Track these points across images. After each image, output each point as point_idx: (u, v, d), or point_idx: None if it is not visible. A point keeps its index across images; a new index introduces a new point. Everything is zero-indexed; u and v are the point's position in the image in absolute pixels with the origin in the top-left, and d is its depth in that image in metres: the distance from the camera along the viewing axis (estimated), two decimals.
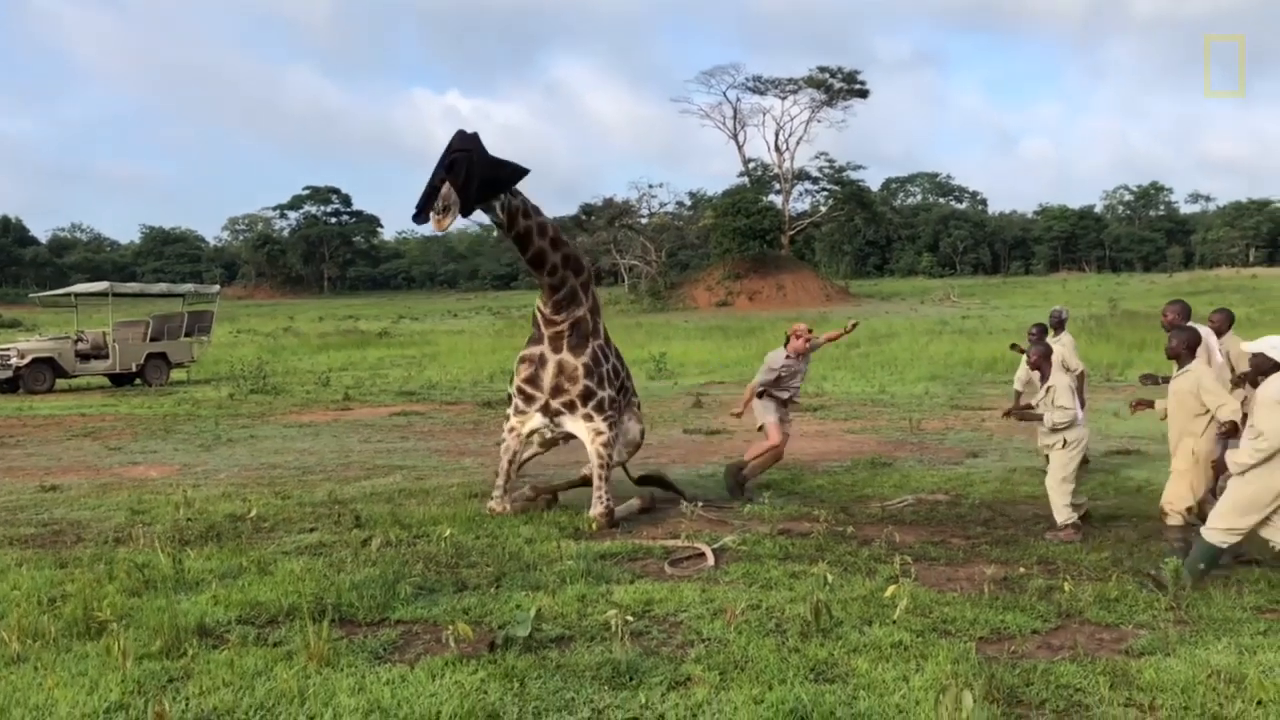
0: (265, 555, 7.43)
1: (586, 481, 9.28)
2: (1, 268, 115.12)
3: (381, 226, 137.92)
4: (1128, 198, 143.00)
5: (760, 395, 10.20)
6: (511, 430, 9.00)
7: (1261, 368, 6.46)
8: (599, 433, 8.74)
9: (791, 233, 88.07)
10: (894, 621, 5.65)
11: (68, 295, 30.30)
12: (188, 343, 27.58)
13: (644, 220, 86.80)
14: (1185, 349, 7.24)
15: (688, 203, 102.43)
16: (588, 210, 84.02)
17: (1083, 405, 8.55)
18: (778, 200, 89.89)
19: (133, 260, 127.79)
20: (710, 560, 7.31)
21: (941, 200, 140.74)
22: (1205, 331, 7.98)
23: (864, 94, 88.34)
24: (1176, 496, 7.20)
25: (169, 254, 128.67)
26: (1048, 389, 8.39)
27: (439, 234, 7.65)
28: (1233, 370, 8.05)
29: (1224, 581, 6.68)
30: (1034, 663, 5.11)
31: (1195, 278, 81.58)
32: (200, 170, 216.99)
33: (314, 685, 4.83)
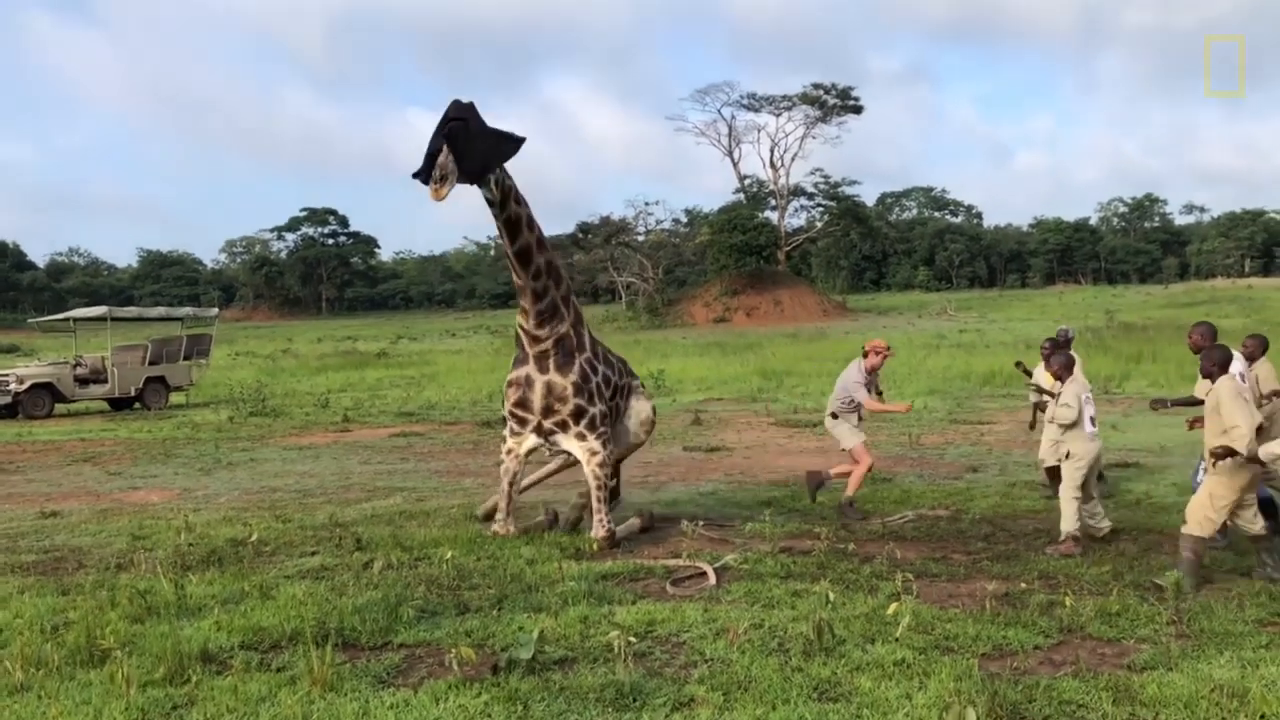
0: (267, 580, 7.43)
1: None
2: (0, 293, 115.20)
3: (379, 247, 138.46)
4: (1123, 209, 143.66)
5: (835, 416, 10.20)
6: (509, 452, 8.97)
7: None
8: (594, 453, 8.69)
9: (788, 248, 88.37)
10: (896, 639, 5.66)
11: (66, 320, 30.35)
12: (186, 366, 27.62)
13: (641, 238, 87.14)
14: (1217, 367, 7.30)
15: (684, 220, 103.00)
16: (584, 228, 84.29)
17: (1092, 421, 8.57)
18: (774, 216, 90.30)
19: (130, 284, 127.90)
20: (712, 579, 7.31)
21: (937, 214, 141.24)
22: (1235, 356, 7.99)
23: (858, 110, 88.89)
24: (1198, 506, 7.21)
25: (167, 277, 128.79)
26: (1059, 391, 8.52)
27: (437, 202, 7.54)
28: (1260, 395, 8.08)
29: (1225, 595, 6.70)
30: (1036, 679, 5.12)
31: (1191, 289, 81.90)
32: (197, 193, 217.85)
33: (318, 710, 4.83)
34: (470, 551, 8.22)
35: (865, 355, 10.21)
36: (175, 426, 21.38)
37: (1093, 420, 8.60)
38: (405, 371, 37.07)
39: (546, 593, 6.92)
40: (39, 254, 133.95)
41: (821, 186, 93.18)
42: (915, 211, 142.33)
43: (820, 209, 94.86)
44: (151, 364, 26.68)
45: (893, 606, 5.86)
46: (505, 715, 4.74)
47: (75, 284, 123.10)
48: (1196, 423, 7.98)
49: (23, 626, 6.20)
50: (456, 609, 6.58)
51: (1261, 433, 7.00)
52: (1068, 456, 8.41)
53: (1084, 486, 8.44)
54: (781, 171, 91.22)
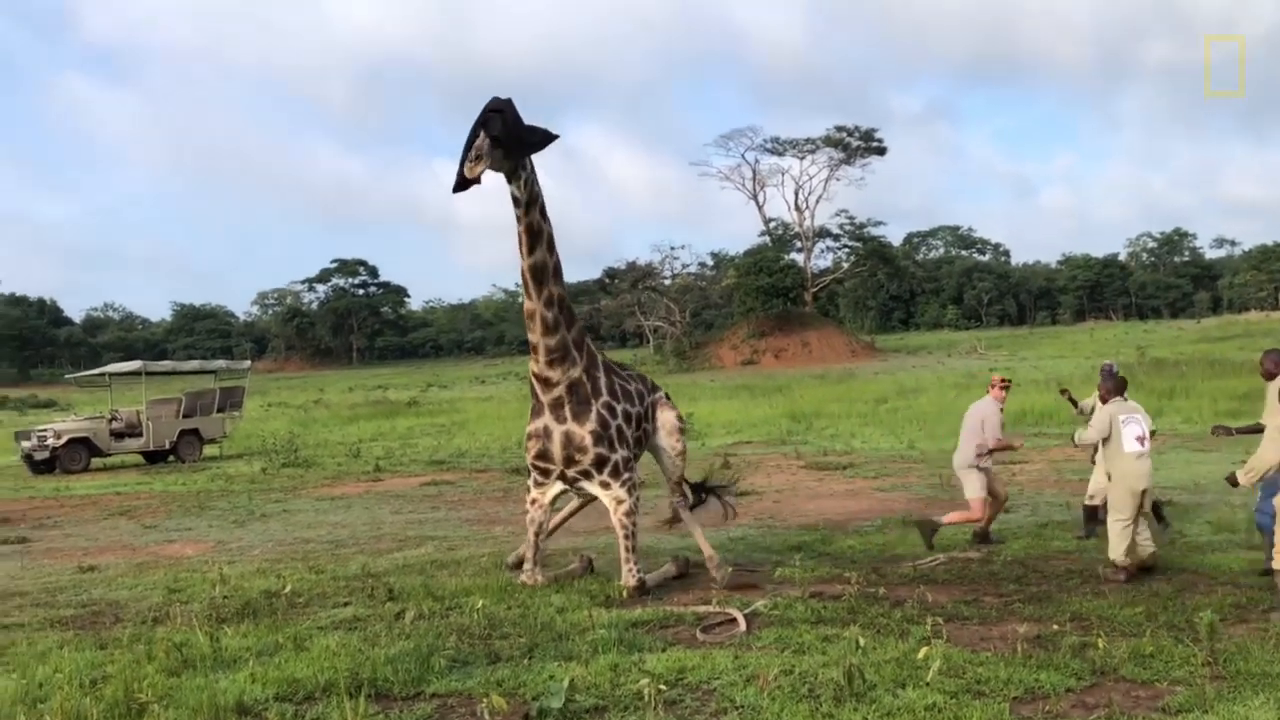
0: (301, 631, 7.50)
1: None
2: (37, 348, 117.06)
3: (409, 296, 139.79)
4: (1151, 244, 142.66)
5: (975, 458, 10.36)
6: (534, 502, 8.97)
7: None
8: (620, 501, 8.65)
9: (815, 290, 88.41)
10: (927, 683, 5.64)
11: (102, 375, 30.83)
12: (220, 418, 27.92)
13: (667, 281, 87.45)
14: None
15: (710, 263, 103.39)
16: (611, 273, 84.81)
17: (1140, 441, 8.68)
18: (800, 258, 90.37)
19: (164, 337, 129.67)
20: (742, 626, 7.31)
21: (964, 253, 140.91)
22: None
23: (882, 151, 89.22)
24: None
25: (200, 330, 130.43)
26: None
27: (470, 180, 7.65)
28: None
29: (1261, 635, 6.62)
30: None
31: (1224, 323, 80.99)
32: (230, 247, 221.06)
33: None
34: (501, 600, 8.26)
35: (991, 389, 10.64)
36: (209, 479, 21.60)
37: (1140, 440, 8.61)
38: (435, 420, 37.27)
39: (577, 641, 6.95)
40: (75, 310, 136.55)
41: (847, 227, 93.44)
42: (942, 250, 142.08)
43: (846, 250, 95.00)
44: (185, 417, 27.01)
45: (923, 650, 5.85)
46: None
47: (110, 339, 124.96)
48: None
49: (62, 681, 6.29)
50: (488, 658, 6.62)
51: None
52: (1109, 479, 8.51)
53: (1133, 511, 8.49)
54: (806, 213, 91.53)
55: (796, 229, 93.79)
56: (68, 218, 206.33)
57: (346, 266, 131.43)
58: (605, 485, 8.67)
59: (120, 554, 12.38)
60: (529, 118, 7.89)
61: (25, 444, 24.94)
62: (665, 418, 9.52)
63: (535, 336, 8.46)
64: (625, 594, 8.43)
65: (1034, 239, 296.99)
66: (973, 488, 10.37)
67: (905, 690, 5.61)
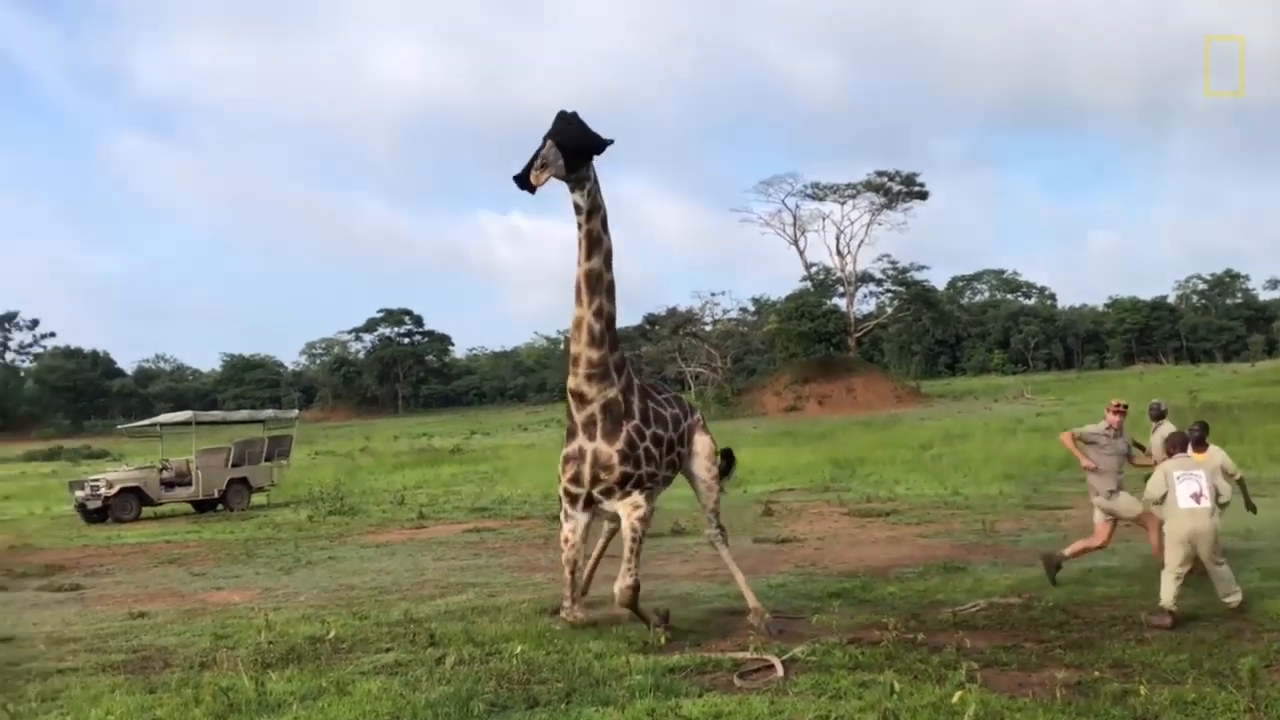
0: (344, 676, 7.62)
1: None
2: (91, 400, 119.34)
3: (453, 344, 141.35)
4: (1201, 286, 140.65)
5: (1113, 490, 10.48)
6: (567, 541, 8.99)
7: None
8: (636, 506, 8.63)
9: (858, 335, 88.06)
10: None
11: (153, 426, 31.43)
12: (268, 467, 28.32)
13: (708, 327, 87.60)
14: None
15: (751, 308, 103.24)
16: (652, 320, 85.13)
17: (1195, 499, 8.80)
18: (842, 303, 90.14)
19: (214, 388, 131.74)
20: (779, 671, 7.32)
21: (1010, 296, 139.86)
22: None
23: (923, 195, 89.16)
24: None
25: (249, 380, 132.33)
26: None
27: (533, 188, 7.83)
28: None
29: None
30: None
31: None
32: (278, 298, 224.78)
33: None
34: (540, 646, 8.34)
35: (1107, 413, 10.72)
36: (257, 527, 21.90)
37: (1195, 498, 8.72)
38: (478, 467, 37.50)
39: (614, 686, 7.00)
40: (127, 361, 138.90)
41: (889, 272, 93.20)
42: (987, 294, 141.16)
43: (889, 294, 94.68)
44: (234, 466, 27.43)
45: (957, 695, 5.85)
46: None
47: (162, 389, 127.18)
48: None
49: None
50: (526, 703, 6.69)
51: None
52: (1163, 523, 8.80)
53: (1183, 562, 8.73)
54: (848, 259, 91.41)
55: (838, 274, 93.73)
56: (120, 271, 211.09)
57: (392, 316, 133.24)
58: (626, 495, 8.65)
59: (169, 600, 12.61)
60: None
61: (78, 493, 25.45)
62: (702, 442, 9.58)
63: (579, 347, 8.48)
64: (618, 595, 8.41)
65: (1081, 282, 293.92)
66: (1128, 507, 10.38)
67: None
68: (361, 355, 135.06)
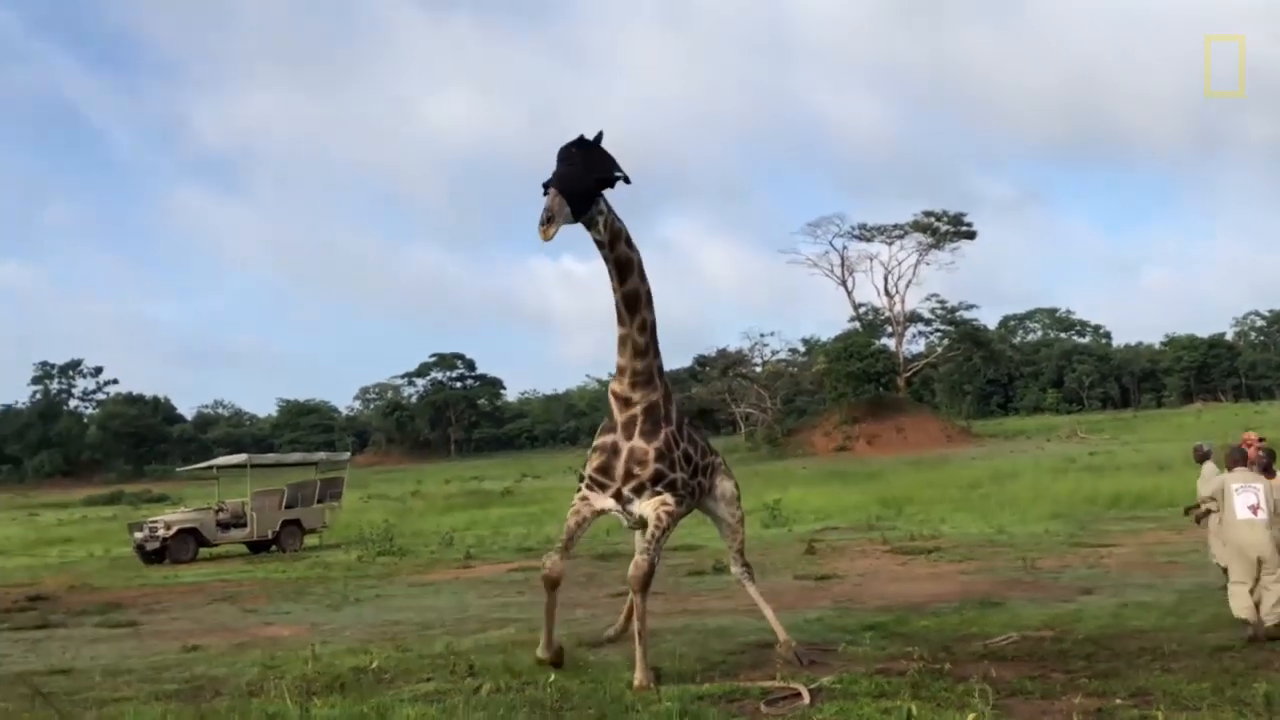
0: (384, 703, 7.89)
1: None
2: (151, 445, 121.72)
3: (504, 388, 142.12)
4: (1260, 323, 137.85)
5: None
6: (575, 512, 8.93)
7: None
8: (665, 502, 8.64)
9: (907, 375, 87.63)
10: None
11: (209, 468, 32.21)
12: (320, 509, 28.88)
13: (758, 368, 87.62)
14: None
15: (800, 349, 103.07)
16: (702, 361, 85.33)
17: (1252, 510, 9.01)
18: (891, 343, 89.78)
19: (271, 432, 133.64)
20: (806, 699, 7.48)
21: (1063, 335, 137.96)
22: None
23: (971, 235, 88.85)
24: None
25: (304, 425, 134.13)
26: None
27: (545, 242, 7.87)
28: None
29: None
30: None
31: None
32: (332, 344, 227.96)
33: None
34: (574, 676, 8.56)
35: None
36: (308, 567, 22.37)
37: (1253, 509, 8.95)
38: (527, 509, 37.85)
39: (644, 713, 7.20)
40: (187, 407, 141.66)
41: (939, 311, 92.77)
42: (1039, 333, 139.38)
43: (939, 334, 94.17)
44: (288, 508, 28.02)
45: (971, 717, 5.98)
46: None
47: (220, 434, 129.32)
48: None
49: None
50: None
51: None
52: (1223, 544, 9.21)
53: (1246, 574, 9.09)
54: (896, 299, 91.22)
55: (887, 314, 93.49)
56: (180, 319, 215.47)
57: (444, 360, 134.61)
58: (656, 493, 8.63)
59: (222, 635, 13.00)
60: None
61: (138, 535, 26.15)
62: (725, 487, 9.75)
63: (624, 359, 8.64)
64: (634, 570, 8.39)
65: (1136, 320, 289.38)
66: None
67: None
68: (414, 399, 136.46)
